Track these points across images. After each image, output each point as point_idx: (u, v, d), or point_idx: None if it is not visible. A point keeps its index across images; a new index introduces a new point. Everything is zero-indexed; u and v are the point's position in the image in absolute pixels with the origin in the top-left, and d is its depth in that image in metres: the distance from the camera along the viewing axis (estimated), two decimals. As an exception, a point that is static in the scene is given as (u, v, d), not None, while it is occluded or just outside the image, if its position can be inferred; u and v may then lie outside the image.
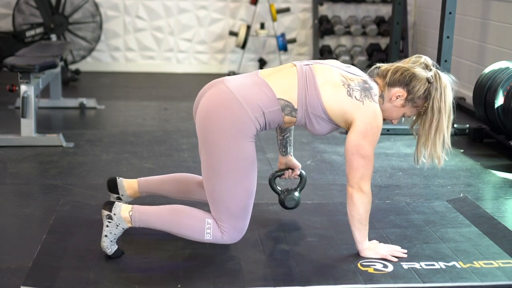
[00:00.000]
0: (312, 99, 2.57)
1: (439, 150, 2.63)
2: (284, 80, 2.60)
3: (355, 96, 2.57)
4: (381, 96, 2.65)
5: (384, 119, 2.71)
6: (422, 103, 2.63)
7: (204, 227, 2.61)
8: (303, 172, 3.10)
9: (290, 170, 3.07)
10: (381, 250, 2.69)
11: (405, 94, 2.62)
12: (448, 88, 2.61)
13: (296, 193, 3.05)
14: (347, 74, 2.63)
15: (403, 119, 2.79)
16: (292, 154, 3.04)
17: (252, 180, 2.60)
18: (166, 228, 2.65)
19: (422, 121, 2.65)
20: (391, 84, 2.64)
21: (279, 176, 3.08)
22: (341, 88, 2.58)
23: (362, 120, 2.56)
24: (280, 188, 3.09)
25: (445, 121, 2.61)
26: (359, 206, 2.61)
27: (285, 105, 2.57)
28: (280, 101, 2.56)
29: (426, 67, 2.64)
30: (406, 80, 2.61)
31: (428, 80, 2.60)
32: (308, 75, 2.59)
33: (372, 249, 2.69)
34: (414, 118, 2.72)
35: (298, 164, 3.08)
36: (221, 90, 2.57)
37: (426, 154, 2.65)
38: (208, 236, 2.62)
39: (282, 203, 3.05)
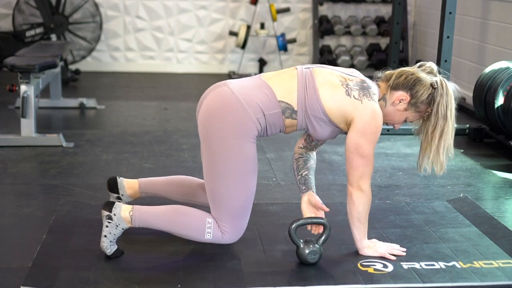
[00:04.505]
0: (311, 100, 2.58)
1: (442, 157, 2.62)
2: (285, 82, 2.62)
3: (353, 96, 2.57)
4: (383, 99, 2.66)
5: (386, 123, 2.72)
6: (425, 108, 2.63)
7: (204, 227, 2.61)
8: (326, 222, 2.69)
9: (314, 226, 2.79)
10: (380, 248, 2.69)
11: (408, 98, 2.62)
12: (453, 96, 2.61)
13: (317, 245, 2.62)
14: (346, 75, 2.64)
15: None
16: (314, 190, 2.85)
17: (252, 180, 2.62)
18: (166, 228, 2.65)
19: (425, 127, 2.65)
20: (394, 88, 2.64)
21: (300, 226, 2.67)
22: (340, 88, 2.59)
23: (361, 119, 2.56)
24: (301, 240, 2.64)
25: (451, 128, 2.61)
26: (358, 205, 2.62)
27: (285, 107, 2.59)
28: (281, 104, 2.59)
29: (431, 73, 2.64)
30: (410, 84, 2.61)
31: (432, 86, 2.60)
32: (308, 78, 2.60)
33: (371, 248, 2.70)
34: (419, 125, 2.70)
35: (319, 202, 2.84)
36: (223, 91, 2.59)
37: (428, 161, 2.64)
38: (208, 236, 2.62)
39: (303, 259, 2.62)
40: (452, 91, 2.62)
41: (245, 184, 2.59)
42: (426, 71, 2.64)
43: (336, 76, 2.62)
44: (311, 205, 2.83)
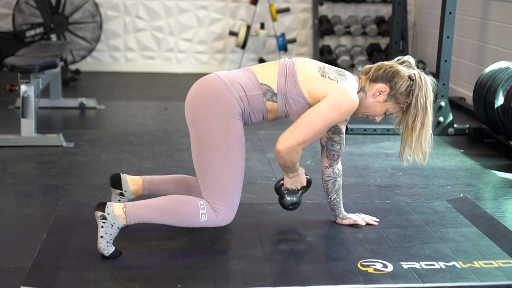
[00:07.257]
0: (290, 84, 2.71)
1: (425, 147, 2.76)
2: (267, 69, 2.78)
3: (328, 76, 2.70)
4: (363, 91, 2.77)
5: (367, 116, 2.84)
6: (404, 100, 2.75)
7: (198, 210, 2.67)
8: (309, 177, 3.02)
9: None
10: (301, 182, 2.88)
11: (388, 90, 2.74)
12: (430, 87, 2.74)
13: (298, 194, 2.99)
14: (324, 65, 2.79)
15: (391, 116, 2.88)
16: (340, 216, 3.00)
17: (240, 156, 2.72)
18: (162, 218, 2.67)
19: (405, 119, 2.77)
20: (374, 80, 2.76)
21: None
22: (317, 73, 2.73)
23: (334, 95, 2.67)
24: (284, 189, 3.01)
25: (431, 119, 2.74)
26: (286, 160, 2.73)
27: (266, 90, 2.72)
28: (262, 86, 2.72)
29: (409, 66, 2.77)
30: (389, 76, 2.73)
31: (410, 78, 2.72)
32: (289, 65, 2.75)
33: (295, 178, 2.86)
34: (399, 116, 2.81)
35: (352, 218, 3.02)
36: (207, 76, 2.76)
37: (410, 151, 2.77)
38: (203, 217, 2.67)
39: (283, 204, 2.99)
40: (429, 83, 2.74)
41: (234, 160, 2.69)
42: (404, 65, 2.77)
43: (316, 64, 2.77)
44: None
